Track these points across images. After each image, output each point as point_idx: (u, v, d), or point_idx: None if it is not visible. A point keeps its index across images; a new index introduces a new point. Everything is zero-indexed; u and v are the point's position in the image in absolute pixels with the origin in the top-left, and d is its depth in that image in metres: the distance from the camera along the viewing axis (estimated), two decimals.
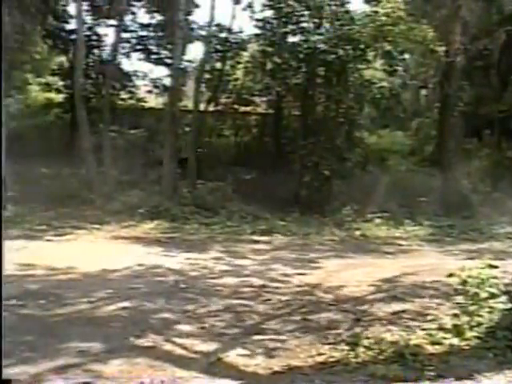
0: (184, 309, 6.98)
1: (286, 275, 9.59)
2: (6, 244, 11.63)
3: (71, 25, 24.43)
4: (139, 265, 9.85)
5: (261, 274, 9.70)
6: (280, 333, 6.13)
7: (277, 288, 8.49)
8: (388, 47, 20.41)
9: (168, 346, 5.57)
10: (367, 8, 21.13)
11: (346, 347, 5.55)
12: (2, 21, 17.40)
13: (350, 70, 19.85)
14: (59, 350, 5.37)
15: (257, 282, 8.92)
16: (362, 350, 5.42)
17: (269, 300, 7.65)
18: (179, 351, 5.45)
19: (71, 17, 24.41)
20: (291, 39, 20.41)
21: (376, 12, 19.77)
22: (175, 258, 10.85)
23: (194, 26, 23.55)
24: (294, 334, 6.06)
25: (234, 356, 5.33)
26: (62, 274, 8.94)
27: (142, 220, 15.79)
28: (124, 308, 6.90)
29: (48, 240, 12.71)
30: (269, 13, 20.55)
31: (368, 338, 5.78)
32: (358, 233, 15.84)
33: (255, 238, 14.66)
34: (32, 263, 9.57)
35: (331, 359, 5.28)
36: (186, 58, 22.85)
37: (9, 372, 4.67)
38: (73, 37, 23.43)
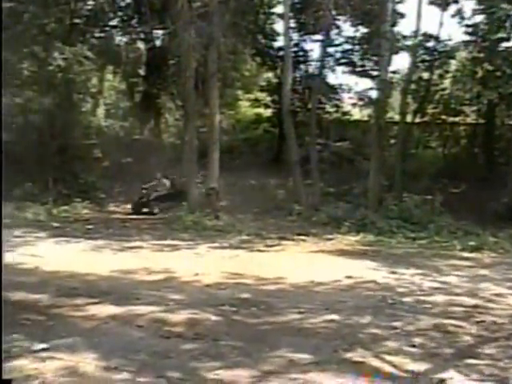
0: (392, 325, 6.80)
1: (499, 295, 8.99)
2: (221, 252, 12.42)
3: (279, 42, 25.37)
4: (346, 277, 9.83)
5: (471, 292, 9.17)
6: (498, 359, 5.72)
7: (490, 309, 7.97)
8: None
9: (377, 362, 5.46)
10: None
11: None
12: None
13: None
14: (269, 357, 5.52)
15: (468, 301, 8.44)
16: None
17: (482, 321, 7.20)
18: (389, 368, 5.32)
19: (278, 34, 25.37)
20: (504, 44, 19.26)
21: None
22: (381, 272, 10.65)
23: (400, 36, 23.13)
24: None
25: (447, 379, 5.07)
26: (272, 283, 9.21)
27: (348, 232, 15.82)
28: (332, 321, 6.91)
29: (257, 250, 13.18)
30: (479, 18, 19.62)
31: None
32: None
33: (465, 254, 13.94)
34: (244, 272, 9.98)
35: None
36: (391, 69, 22.58)
37: (224, 374, 4.90)
38: (280, 53, 24.27)
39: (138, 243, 13.64)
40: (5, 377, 4.36)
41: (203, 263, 11.06)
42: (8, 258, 10.93)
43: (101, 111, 29.69)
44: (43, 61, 21.05)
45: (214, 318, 6.89)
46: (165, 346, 5.73)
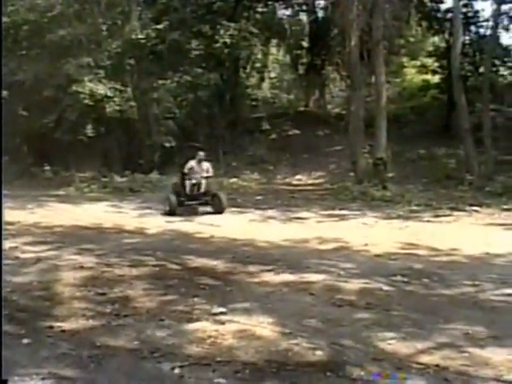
0: None
1: None
2: (390, 222, 12.27)
3: (446, 4, 24.24)
4: None
5: None
6: None
7: None
8: None
9: None
10: None
11: None
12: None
13: None
14: (443, 329, 5.40)
15: None
16: None
17: None
18: None
19: None
20: None
21: None
22: None
23: None
24: None
25: None
26: (445, 255, 8.95)
27: None
28: (510, 295, 6.58)
29: (428, 220, 12.86)
30: None
31: None
32: None
33: None
34: (414, 243, 9.81)
35: None
36: None
37: (397, 345, 4.89)
38: (448, 16, 23.18)
39: (306, 213, 13.89)
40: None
41: (372, 233, 11.02)
42: (187, 227, 11.72)
43: (266, 85, 30.33)
44: (210, 39, 21.85)
45: (385, 288, 6.85)
46: (337, 313, 5.81)
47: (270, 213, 14.12)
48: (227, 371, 4.39)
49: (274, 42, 29.59)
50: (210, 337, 5.10)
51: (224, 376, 4.30)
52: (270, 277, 7.29)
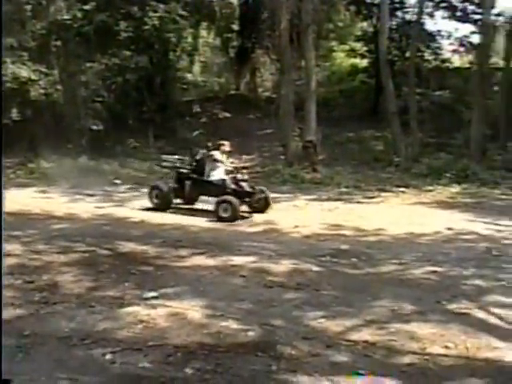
0: (498, 277, 6.66)
1: None
2: (320, 204, 12.47)
3: None
4: (448, 229, 9.66)
5: None
6: None
7: None
8: None
9: (482, 314, 5.39)
10: None
11: None
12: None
13: None
14: (371, 307, 5.57)
15: None
16: None
17: None
18: (494, 321, 5.24)
19: None
20: None
21: None
22: (484, 224, 10.36)
23: None
24: None
25: None
26: (372, 235, 9.20)
27: (448, 184, 15.40)
28: (434, 272, 6.84)
29: (357, 202, 13.14)
30: None
31: None
32: None
33: None
34: (343, 224, 10.03)
35: None
36: (494, 11, 21.41)
37: (327, 323, 5.01)
38: (376, 1, 23.54)
39: None
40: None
41: (302, 215, 11.17)
42: (118, 212, 11.54)
43: (197, 68, 30.09)
44: (139, 20, 21.48)
45: (315, 268, 6.99)
46: (268, 295, 5.89)
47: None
48: (159, 355, 4.39)
49: (205, 24, 29.33)
50: (141, 321, 5.09)
51: (155, 360, 4.30)
52: (201, 260, 7.30)
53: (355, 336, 4.79)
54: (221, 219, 10.43)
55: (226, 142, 11.92)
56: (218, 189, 11.08)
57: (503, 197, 14.05)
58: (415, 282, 6.47)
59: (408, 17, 24.27)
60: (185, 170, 11.82)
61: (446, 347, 4.57)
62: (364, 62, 26.35)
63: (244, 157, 20.52)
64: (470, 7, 23.35)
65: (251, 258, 7.37)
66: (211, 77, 31.73)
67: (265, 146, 21.02)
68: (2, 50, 18.39)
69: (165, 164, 12.64)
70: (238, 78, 29.53)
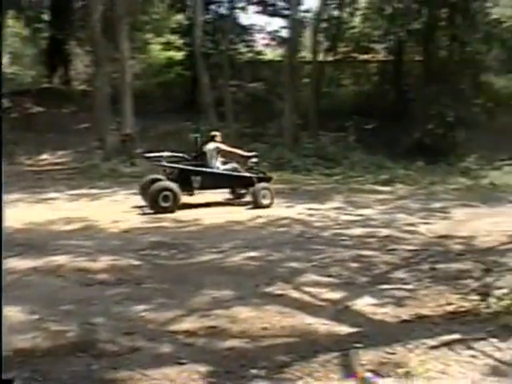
0: (310, 258, 7.07)
1: (411, 225, 9.45)
2: (140, 198, 12.33)
3: None
4: (264, 215, 10.06)
5: (386, 223, 9.61)
6: (408, 282, 6.07)
7: (403, 238, 8.39)
8: None
9: (296, 294, 5.68)
10: None
11: (477, 297, 5.43)
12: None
13: (476, 10, 18.81)
14: (193, 296, 5.63)
15: (382, 231, 8.85)
16: (493, 300, 5.27)
17: (395, 250, 7.58)
18: (307, 299, 5.55)
19: None
20: None
21: None
22: (298, 209, 10.96)
23: None
24: (423, 284, 5.97)
25: (362, 304, 5.35)
26: (192, 225, 9.33)
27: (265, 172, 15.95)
28: (252, 258, 7.08)
29: None
30: None
31: (500, 288, 5.62)
32: (485, 181, 15.23)
33: (378, 187, 14.51)
34: (162, 217, 10.07)
35: (461, 309, 5.18)
36: (302, 8, 22.58)
37: (148, 317, 4.99)
38: None
39: (53, 194, 13.32)
40: None
41: (121, 210, 11.00)
42: None
43: (5, 59, 28.33)
44: None
45: (135, 262, 6.92)
46: (88, 293, 5.73)
47: (16, 196, 13.27)
48: None
49: (11, 13, 27.68)
50: None
51: None
52: (15, 263, 6.89)
53: (177, 326, 4.81)
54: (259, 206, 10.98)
55: (217, 133, 12.12)
56: (232, 179, 11.50)
57: (315, 182, 14.92)
58: (235, 269, 6.64)
59: (222, 10, 24.75)
60: (189, 167, 11.63)
61: (265, 328, 4.74)
62: (180, 55, 26.44)
63: (59, 152, 19.79)
64: (280, 3, 24.39)
65: (69, 257, 7.10)
66: (22, 69, 30.05)
67: (81, 141, 20.34)
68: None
69: (163, 163, 11.91)
70: (51, 71, 28.24)
